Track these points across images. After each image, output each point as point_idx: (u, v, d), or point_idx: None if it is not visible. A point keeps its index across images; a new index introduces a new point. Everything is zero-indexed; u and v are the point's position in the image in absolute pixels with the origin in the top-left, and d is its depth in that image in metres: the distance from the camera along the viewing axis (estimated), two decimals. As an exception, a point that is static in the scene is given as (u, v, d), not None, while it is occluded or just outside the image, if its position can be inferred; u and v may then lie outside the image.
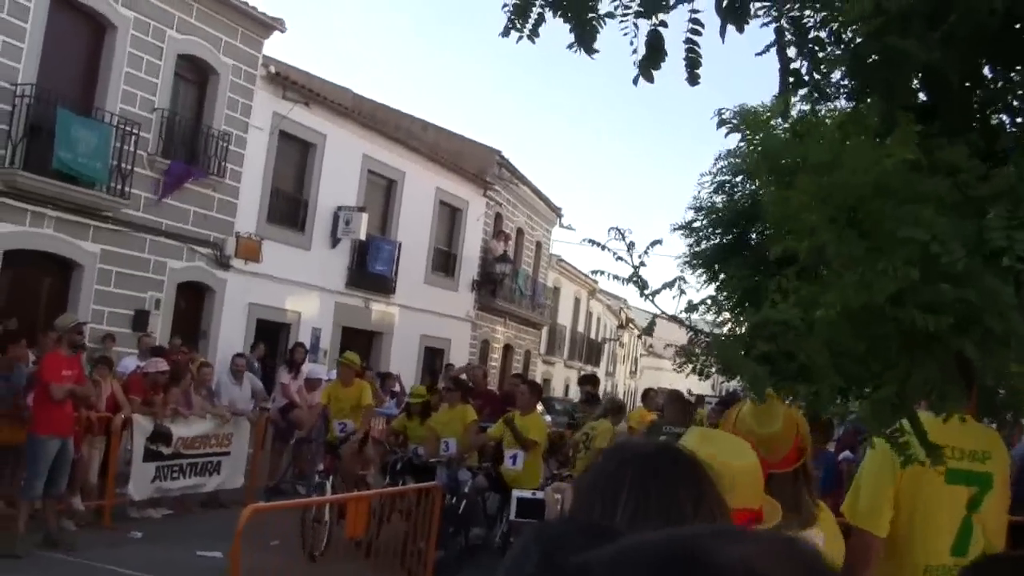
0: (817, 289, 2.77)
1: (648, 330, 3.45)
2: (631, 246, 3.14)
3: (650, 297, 3.23)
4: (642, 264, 3.17)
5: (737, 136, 3.52)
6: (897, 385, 2.82)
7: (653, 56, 3.57)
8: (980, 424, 3.96)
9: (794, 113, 3.74)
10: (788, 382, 3.02)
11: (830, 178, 2.79)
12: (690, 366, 3.38)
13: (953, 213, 2.70)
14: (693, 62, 3.59)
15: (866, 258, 2.69)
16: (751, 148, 3.39)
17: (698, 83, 3.60)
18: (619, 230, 3.14)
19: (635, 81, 3.61)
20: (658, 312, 3.31)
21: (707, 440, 2.63)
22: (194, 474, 12.83)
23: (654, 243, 3.21)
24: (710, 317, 3.71)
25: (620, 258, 3.16)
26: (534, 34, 3.81)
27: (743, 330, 3.56)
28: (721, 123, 3.36)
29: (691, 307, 3.48)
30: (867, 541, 3.65)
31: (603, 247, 3.15)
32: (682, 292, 3.45)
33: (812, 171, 2.88)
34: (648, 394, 17.01)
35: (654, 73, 3.60)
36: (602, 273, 3.35)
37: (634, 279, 3.19)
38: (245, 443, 13.89)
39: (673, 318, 3.37)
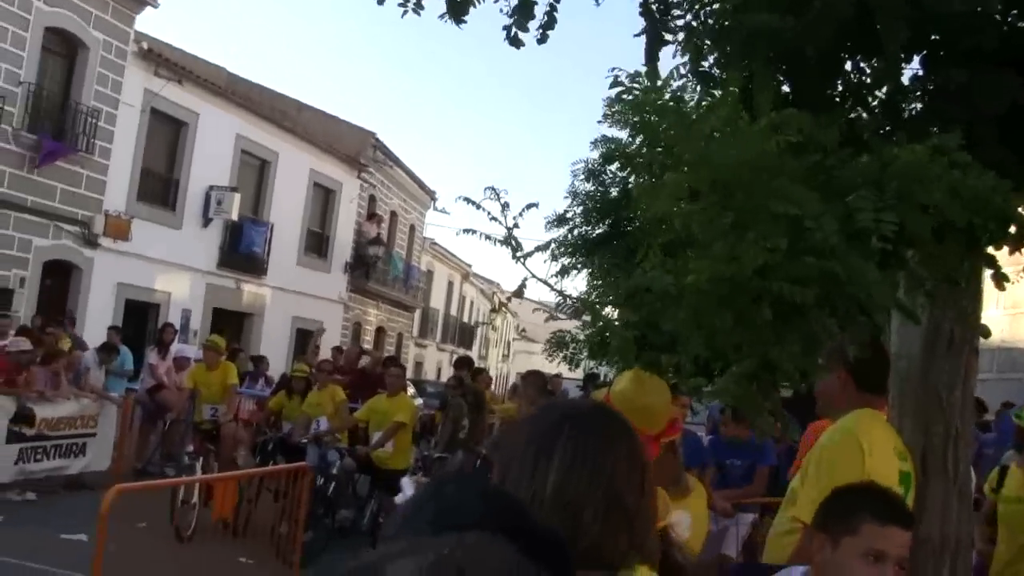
0: (686, 260, 2.79)
1: (518, 292, 3.48)
2: (506, 206, 3.13)
3: (522, 260, 3.27)
4: (516, 226, 3.19)
5: (608, 123, 3.61)
6: (759, 359, 2.88)
7: (524, 11, 3.72)
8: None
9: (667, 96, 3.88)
10: (654, 352, 3.13)
11: (701, 153, 2.80)
12: (561, 354, 3.48)
13: (819, 193, 2.75)
14: (548, 24, 3.78)
15: (731, 232, 2.71)
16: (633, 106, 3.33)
17: (546, 42, 3.80)
18: (495, 190, 3.12)
19: (505, 34, 3.75)
20: (529, 276, 3.34)
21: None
22: (59, 456, 12.63)
23: (530, 206, 3.26)
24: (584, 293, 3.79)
25: (495, 219, 3.16)
26: (419, 7, 3.87)
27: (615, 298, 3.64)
28: (614, 84, 3.31)
29: (563, 271, 3.56)
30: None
31: (478, 206, 3.13)
32: (554, 258, 3.55)
33: (677, 144, 2.91)
34: (516, 388, 17.08)
35: (525, 39, 3.75)
36: (474, 232, 3.32)
37: (507, 240, 3.20)
38: (112, 424, 13.70)
39: (544, 282, 3.43)
